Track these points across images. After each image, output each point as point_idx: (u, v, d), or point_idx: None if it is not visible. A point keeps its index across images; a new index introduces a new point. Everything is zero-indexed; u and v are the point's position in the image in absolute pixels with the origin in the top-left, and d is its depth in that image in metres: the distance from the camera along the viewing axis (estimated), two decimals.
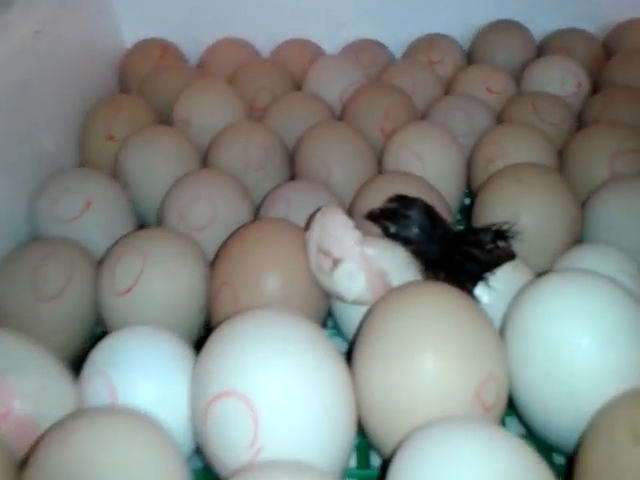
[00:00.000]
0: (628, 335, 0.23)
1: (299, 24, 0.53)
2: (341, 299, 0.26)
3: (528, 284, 0.26)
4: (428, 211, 0.31)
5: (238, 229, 0.30)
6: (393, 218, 0.31)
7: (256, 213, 0.35)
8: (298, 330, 0.23)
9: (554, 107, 0.41)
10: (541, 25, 0.52)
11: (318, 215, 0.27)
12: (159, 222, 0.35)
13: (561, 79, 0.45)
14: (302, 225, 0.31)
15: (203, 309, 0.29)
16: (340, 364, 0.23)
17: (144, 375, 0.24)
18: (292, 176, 0.39)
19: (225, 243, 0.30)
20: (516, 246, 0.30)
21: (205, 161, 0.39)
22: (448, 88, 0.47)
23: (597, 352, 0.23)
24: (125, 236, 0.31)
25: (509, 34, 0.51)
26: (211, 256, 0.32)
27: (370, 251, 0.27)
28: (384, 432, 0.23)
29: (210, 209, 0.33)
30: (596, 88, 0.47)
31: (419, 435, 0.21)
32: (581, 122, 0.42)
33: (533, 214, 0.31)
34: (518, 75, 0.48)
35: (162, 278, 0.28)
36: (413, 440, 0.21)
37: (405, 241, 0.30)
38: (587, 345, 0.23)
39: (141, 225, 0.38)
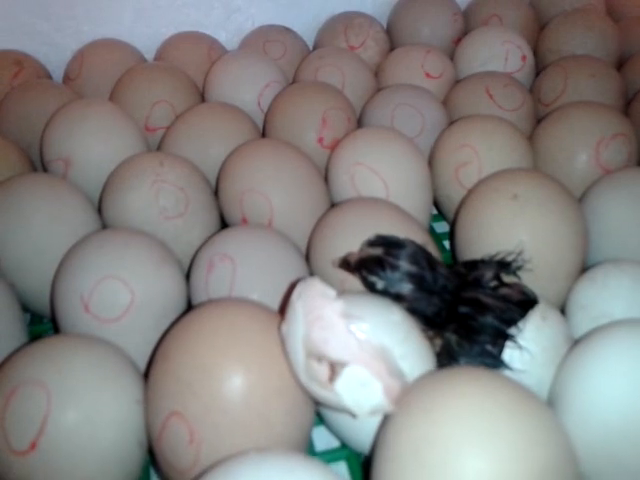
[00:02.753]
0: None
1: (183, 12, 0.44)
2: (351, 414, 0.18)
3: (580, 344, 0.20)
4: (421, 256, 0.24)
5: (175, 323, 0.21)
6: (379, 270, 0.23)
7: (186, 280, 0.26)
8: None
9: (509, 89, 0.35)
10: None
11: (296, 299, 0.19)
12: (53, 316, 0.25)
13: (504, 54, 0.39)
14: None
15: (143, 441, 0.21)
16: None
17: None
18: (221, 219, 0.31)
19: (160, 346, 0.21)
20: (523, 277, 0.25)
21: (100, 216, 0.30)
22: (378, 77, 0.40)
23: None
24: (10, 356, 0.21)
25: (432, 5, 0.44)
26: (140, 358, 0.23)
27: (363, 327, 0.20)
28: None
29: (123, 288, 0.24)
30: (537, 59, 0.42)
31: None
32: (539, 103, 0.37)
33: (537, 236, 0.25)
34: (450, 53, 0.42)
35: (77, 419, 0.19)
36: None
37: (396, 298, 0.23)
38: None
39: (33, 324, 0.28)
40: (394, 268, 0.23)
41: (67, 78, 0.40)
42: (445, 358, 0.22)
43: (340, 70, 0.38)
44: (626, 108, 0.36)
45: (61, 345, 0.21)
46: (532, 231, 0.25)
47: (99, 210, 0.30)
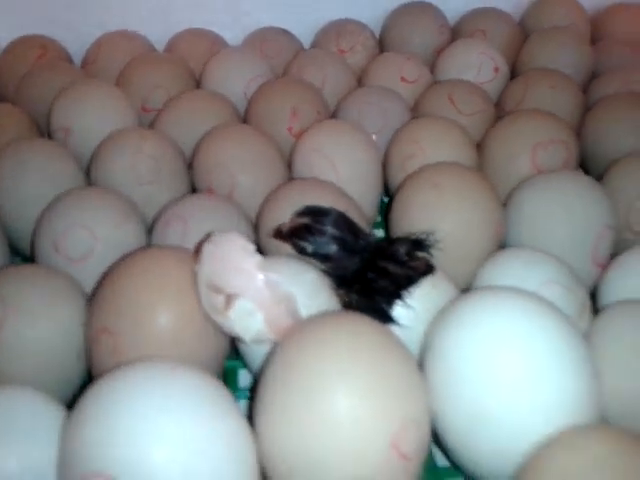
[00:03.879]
0: (563, 365, 0.20)
1: (197, 12, 0.49)
2: (240, 340, 0.22)
3: (447, 306, 0.23)
4: (344, 222, 0.27)
5: (118, 261, 0.25)
6: (307, 235, 0.27)
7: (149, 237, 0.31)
8: (185, 386, 0.19)
9: (471, 96, 0.38)
10: (454, 5, 0.50)
11: (207, 244, 0.23)
12: (32, 253, 0.30)
13: (477, 64, 0.42)
14: None
15: (81, 355, 0.25)
16: (238, 422, 0.20)
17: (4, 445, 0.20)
18: (192, 189, 0.35)
19: (103, 278, 0.25)
20: (437, 257, 0.28)
21: (88, 177, 0.34)
22: (361, 79, 0.44)
23: (530, 385, 0.20)
24: None
25: (422, 17, 0.48)
26: None
27: (274, 277, 0.24)
28: None
29: (89, 236, 0.28)
30: (515, 72, 0.45)
31: None
32: (501, 110, 0.40)
33: (452, 221, 0.28)
34: (433, 62, 0.45)
35: (27, 327, 0.24)
36: None
37: (324, 259, 0.27)
38: (518, 377, 0.20)
39: (18, 255, 0.33)
40: (321, 233, 0.27)
41: (85, 63, 0.46)
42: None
43: (322, 70, 0.42)
44: (582, 120, 0.38)
45: (26, 272, 0.26)
46: (448, 216, 0.28)
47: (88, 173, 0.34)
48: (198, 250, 0.23)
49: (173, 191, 0.33)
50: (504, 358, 0.20)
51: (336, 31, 0.47)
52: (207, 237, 0.23)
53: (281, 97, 0.38)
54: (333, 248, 0.27)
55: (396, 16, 0.48)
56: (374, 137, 0.36)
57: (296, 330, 0.22)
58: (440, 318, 0.23)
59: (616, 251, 0.29)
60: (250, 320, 0.21)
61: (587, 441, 0.18)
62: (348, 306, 0.26)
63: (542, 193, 0.30)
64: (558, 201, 0.29)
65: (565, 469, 0.17)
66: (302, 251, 0.27)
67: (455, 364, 0.21)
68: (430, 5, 0.49)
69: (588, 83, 0.42)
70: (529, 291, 0.23)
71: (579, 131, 0.37)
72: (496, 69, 0.42)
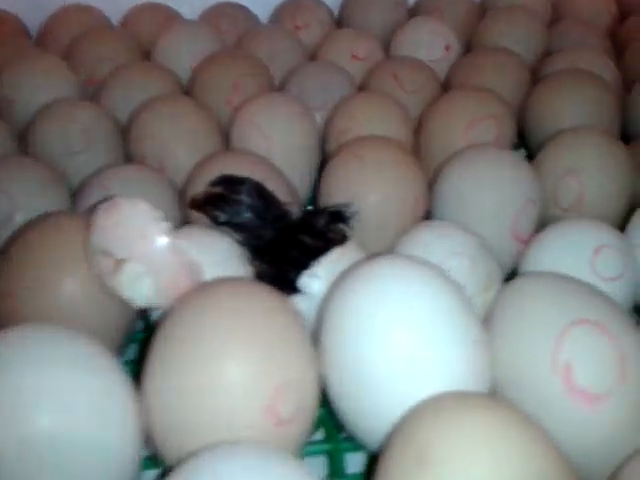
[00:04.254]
0: (445, 332, 0.20)
1: None
2: (132, 305, 0.22)
3: (342, 273, 0.23)
4: (259, 191, 0.27)
5: (24, 225, 0.25)
6: (221, 204, 0.27)
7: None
8: (67, 351, 0.20)
9: (415, 73, 0.38)
10: None
11: (100, 208, 0.23)
12: None
13: (429, 42, 0.42)
14: None
15: None
16: (118, 385, 0.20)
17: None
18: (126, 160, 0.35)
19: (9, 242, 0.25)
20: (356, 228, 0.28)
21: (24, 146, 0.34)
22: (313, 56, 0.44)
23: (408, 350, 0.20)
24: None
25: None
26: None
27: (180, 243, 0.24)
28: (171, 452, 0.20)
29: (8, 203, 0.28)
30: (470, 50, 0.44)
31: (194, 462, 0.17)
32: (446, 88, 0.40)
33: (373, 194, 0.28)
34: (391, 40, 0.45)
35: None
36: (189, 466, 0.17)
37: (238, 228, 0.27)
38: (397, 342, 0.20)
39: None
40: (234, 202, 0.27)
41: (40, 36, 0.46)
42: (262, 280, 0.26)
43: (271, 45, 0.41)
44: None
45: None
46: (369, 187, 0.28)
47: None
48: (90, 215, 0.23)
49: (106, 161, 0.33)
50: (386, 324, 0.20)
51: (293, 7, 0.47)
52: (102, 201, 0.23)
53: (224, 70, 0.37)
54: (247, 217, 0.27)
55: None
56: (316, 113, 0.36)
57: (186, 294, 0.22)
58: (334, 285, 0.23)
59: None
60: (138, 284, 0.21)
61: (452, 408, 0.18)
62: (260, 277, 0.26)
63: (466, 168, 0.30)
64: (481, 176, 0.29)
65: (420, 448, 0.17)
66: (215, 220, 0.27)
67: (342, 328, 0.21)
68: None
69: (542, 62, 0.42)
70: (426, 261, 0.23)
71: (523, 108, 0.37)
72: (447, 47, 0.42)
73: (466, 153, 0.31)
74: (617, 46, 0.45)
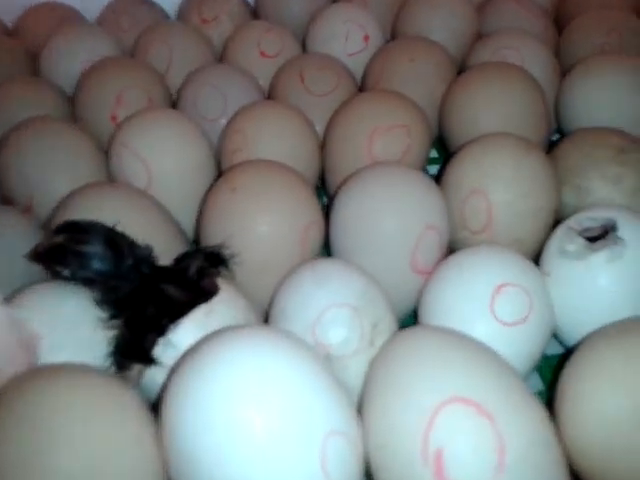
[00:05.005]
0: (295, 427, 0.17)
1: None
2: None
3: (193, 346, 0.20)
4: (109, 238, 0.24)
5: None
6: (62, 258, 0.23)
7: None
8: None
9: (324, 73, 0.34)
10: None
11: None
12: None
13: (345, 33, 0.38)
14: None
15: None
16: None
17: None
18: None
19: None
20: (235, 270, 0.25)
21: None
22: (222, 55, 0.40)
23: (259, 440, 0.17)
24: None
25: None
26: None
27: (18, 317, 0.21)
28: None
29: None
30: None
31: None
32: (363, 88, 0.36)
33: (250, 231, 0.25)
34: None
35: None
36: None
37: (87, 283, 0.23)
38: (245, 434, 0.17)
39: None
40: (77, 254, 0.23)
41: None
42: (113, 349, 0.22)
43: (168, 46, 0.37)
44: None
45: None
46: (245, 222, 0.25)
47: None
48: None
49: None
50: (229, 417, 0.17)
51: None
52: None
53: (108, 81, 0.33)
54: (95, 270, 0.23)
55: None
56: (212, 125, 0.32)
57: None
58: (182, 358, 0.20)
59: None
60: None
61: None
62: (115, 344, 0.23)
63: (363, 191, 0.26)
64: (377, 200, 0.26)
65: None
66: (58, 275, 0.24)
67: (181, 417, 0.18)
68: None
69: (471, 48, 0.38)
70: (287, 334, 0.20)
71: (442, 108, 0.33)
72: (366, 38, 0.38)
73: (364, 173, 0.27)
74: (560, 23, 0.42)
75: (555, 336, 0.25)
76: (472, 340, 0.20)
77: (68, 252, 0.23)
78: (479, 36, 0.39)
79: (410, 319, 0.27)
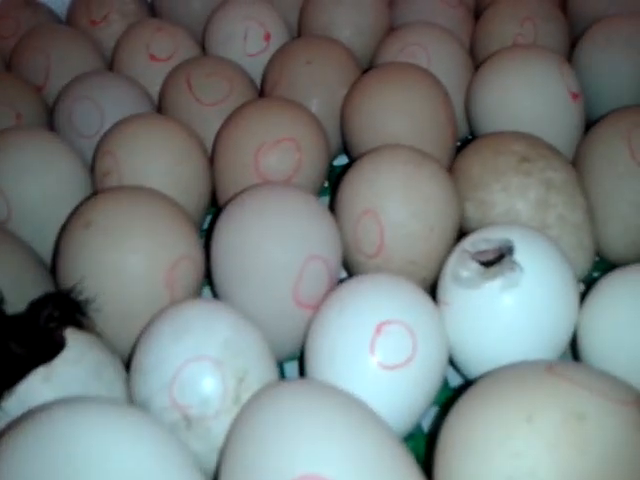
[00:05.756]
0: None
1: None
2: None
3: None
4: None
5: None
6: None
7: None
8: None
9: (213, 79, 0.31)
10: None
11: None
12: None
13: (243, 32, 0.35)
14: None
15: None
16: None
17: None
18: None
19: None
20: (95, 317, 0.22)
21: None
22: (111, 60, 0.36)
23: None
24: None
25: None
26: None
27: None
28: None
29: None
30: None
31: None
32: (262, 92, 0.33)
33: (104, 273, 0.22)
34: None
35: None
36: None
37: None
38: None
39: None
40: None
41: None
42: None
43: (45, 54, 0.34)
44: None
45: None
46: (101, 262, 0.22)
47: None
48: None
49: None
50: None
51: None
52: None
53: None
54: None
55: None
56: (84, 143, 0.29)
57: None
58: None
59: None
60: None
61: None
62: None
63: (246, 215, 0.24)
64: (259, 226, 0.23)
65: None
66: None
67: None
68: None
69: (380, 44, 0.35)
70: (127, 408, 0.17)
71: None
72: (267, 36, 0.35)
73: (248, 194, 0.24)
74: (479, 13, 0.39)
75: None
76: (341, 398, 0.18)
77: None
78: (391, 30, 0.36)
79: (297, 356, 0.24)
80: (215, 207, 0.29)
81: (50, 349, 0.20)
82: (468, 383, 0.21)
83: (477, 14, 0.39)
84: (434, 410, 0.23)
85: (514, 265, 0.21)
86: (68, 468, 0.16)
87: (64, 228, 0.24)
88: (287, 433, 0.16)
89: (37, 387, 0.19)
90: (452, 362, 0.23)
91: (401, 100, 0.28)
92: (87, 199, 0.24)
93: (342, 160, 0.33)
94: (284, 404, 0.17)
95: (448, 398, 0.23)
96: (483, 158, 0.26)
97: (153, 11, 0.40)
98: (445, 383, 0.24)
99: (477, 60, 0.34)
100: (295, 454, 0.16)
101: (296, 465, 0.15)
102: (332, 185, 0.31)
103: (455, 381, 0.24)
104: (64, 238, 0.23)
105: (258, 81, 0.34)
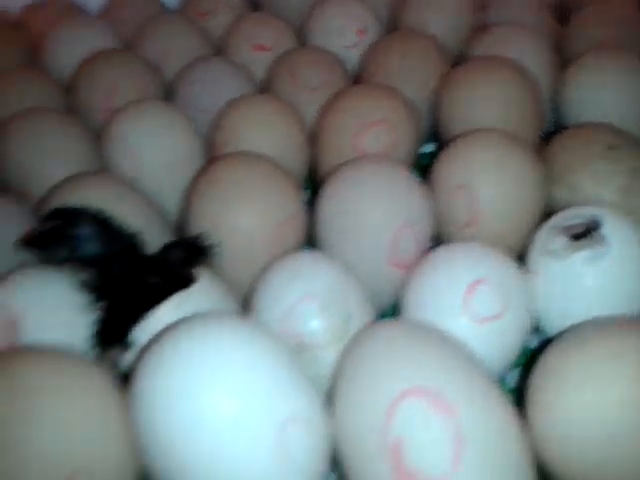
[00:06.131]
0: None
1: None
2: None
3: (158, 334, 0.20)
4: (100, 223, 0.24)
5: None
6: (55, 241, 0.24)
7: None
8: None
9: (315, 67, 0.34)
10: None
11: None
12: None
13: (339, 27, 0.38)
14: None
15: None
16: None
17: None
18: None
19: None
20: (218, 261, 0.25)
21: None
22: (219, 48, 0.40)
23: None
24: None
25: None
26: None
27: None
28: None
29: None
30: None
31: None
32: (357, 81, 0.36)
33: (228, 222, 0.25)
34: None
35: None
36: None
37: (76, 267, 0.24)
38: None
39: None
40: (68, 238, 0.24)
41: None
42: (93, 333, 0.23)
43: (164, 40, 0.37)
44: None
45: None
46: (225, 214, 0.25)
47: None
48: None
49: None
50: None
51: None
52: None
53: (102, 72, 0.34)
54: (86, 253, 0.24)
55: None
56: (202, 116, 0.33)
57: None
58: (148, 344, 0.20)
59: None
60: None
61: None
62: (97, 327, 0.23)
63: (344, 186, 0.26)
64: (357, 195, 0.26)
65: None
66: (50, 260, 0.24)
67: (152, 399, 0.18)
68: None
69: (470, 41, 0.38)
70: (250, 325, 0.20)
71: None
72: (360, 32, 0.38)
73: (345, 169, 0.27)
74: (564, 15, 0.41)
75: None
76: (441, 334, 0.20)
77: (59, 236, 0.24)
78: (481, 28, 0.39)
79: (391, 312, 0.27)
80: (313, 183, 0.32)
81: (181, 283, 0.23)
82: (548, 341, 0.23)
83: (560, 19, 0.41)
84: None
85: (601, 239, 0.23)
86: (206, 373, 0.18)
87: (192, 184, 0.27)
88: (394, 356, 0.19)
89: (170, 313, 0.22)
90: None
91: (492, 90, 0.30)
92: (214, 160, 0.27)
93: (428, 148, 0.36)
94: (392, 334, 0.20)
95: (528, 358, 0.25)
96: (572, 145, 0.28)
97: (255, 5, 0.44)
98: (525, 346, 0.25)
99: (564, 61, 0.36)
100: (404, 372, 0.18)
101: (405, 381, 0.18)
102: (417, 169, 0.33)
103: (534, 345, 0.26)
104: (193, 192, 0.26)
105: (351, 71, 0.37)
